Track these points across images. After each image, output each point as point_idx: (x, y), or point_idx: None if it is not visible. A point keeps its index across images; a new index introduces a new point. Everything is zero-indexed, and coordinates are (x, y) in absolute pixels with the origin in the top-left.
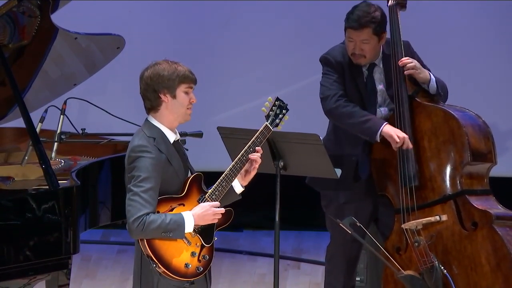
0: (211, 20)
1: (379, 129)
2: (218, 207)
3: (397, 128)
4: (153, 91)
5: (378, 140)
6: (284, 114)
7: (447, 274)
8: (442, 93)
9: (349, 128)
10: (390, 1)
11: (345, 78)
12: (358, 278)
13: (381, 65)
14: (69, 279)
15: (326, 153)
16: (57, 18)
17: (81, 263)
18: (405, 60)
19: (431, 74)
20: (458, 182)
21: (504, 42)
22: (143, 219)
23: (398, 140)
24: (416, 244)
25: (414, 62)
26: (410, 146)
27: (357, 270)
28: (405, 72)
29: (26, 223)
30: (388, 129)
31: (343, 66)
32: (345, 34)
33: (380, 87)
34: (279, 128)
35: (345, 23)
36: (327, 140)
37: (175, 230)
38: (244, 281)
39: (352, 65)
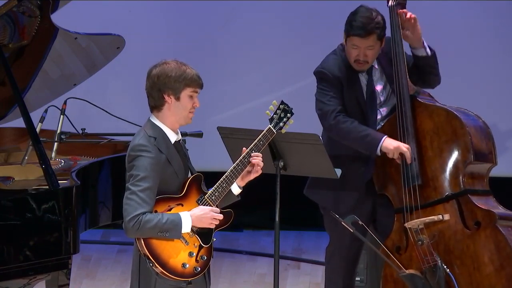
0: (211, 20)
1: (378, 144)
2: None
3: (400, 127)
4: (158, 90)
5: (379, 154)
6: (288, 118)
7: (450, 273)
8: (437, 58)
9: (349, 144)
10: (390, 2)
11: (343, 91)
12: (358, 278)
13: (377, 65)
14: (69, 279)
15: (326, 153)
16: (57, 18)
17: (81, 263)
18: (409, 14)
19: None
20: (460, 181)
21: (504, 42)
22: (139, 218)
23: (397, 156)
24: (420, 242)
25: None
26: (409, 161)
27: (357, 270)
28: (412, 21)
29: (26, 223)
30: (387, 145)
31: (341, 79)
32: (345, 41)
33: (379, 87)
34: (283, 132)
35: (348, 31)
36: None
37: (172, 230)
38: (244, 281)
39: (349, 77)
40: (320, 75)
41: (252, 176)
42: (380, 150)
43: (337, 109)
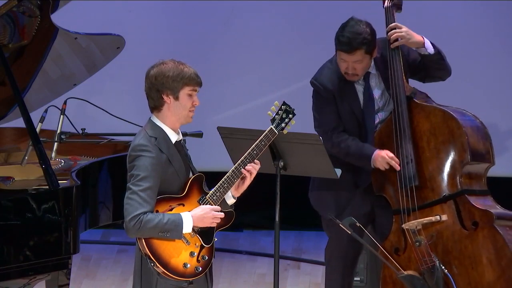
0: (211, 20)
1: (370, 163)
2: (219, 211)
3: (396, 128)
4: (156, 91)
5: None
6: (290, 119)
7: (448, 273)
8: (443, 53)
9: (349, 161)
10: (386, 3)
11: (337, 103)
12: (357, 278)
13: (374, 70)
14: (69, 279)
15: (326, 153)
16: (57, 18)
17: (81, 263)
18: (392, 33)
19: (424, 37)
20: (457, 181)
21: (504, 42)
22: (140, 218)
23: (387, 167)
24: (417, 243)
25: (403, 32)
26: (398, 168)
27: (357, 270)
28: (392, 45)
29: (26, 223)
30: (374, 162)
31: (333, 92)
32: (336, 53)
33: (377, 94)
34: (285, 132)
35: (335, 44)
36: None
37: (173, 230)
38: (244, 281)
39: (342, 88)
40: (313, 87)
41: (246, 184)
42: (373, 163)
43: (331, 128)
